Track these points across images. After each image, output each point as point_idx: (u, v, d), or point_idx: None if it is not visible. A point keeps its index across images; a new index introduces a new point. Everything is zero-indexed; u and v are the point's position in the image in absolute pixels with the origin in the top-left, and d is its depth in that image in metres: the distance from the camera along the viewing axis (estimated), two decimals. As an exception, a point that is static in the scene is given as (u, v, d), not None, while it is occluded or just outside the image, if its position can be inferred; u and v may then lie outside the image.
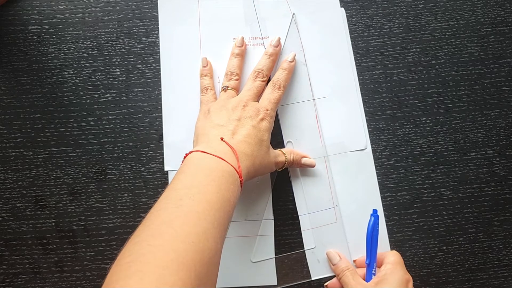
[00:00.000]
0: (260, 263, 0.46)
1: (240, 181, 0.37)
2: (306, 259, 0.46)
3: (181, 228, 0.29)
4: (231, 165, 0.36)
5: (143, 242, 0.29)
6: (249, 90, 0.43)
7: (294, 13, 0.48)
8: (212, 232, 0.31)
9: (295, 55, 0.47)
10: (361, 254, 0.45)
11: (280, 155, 0.44)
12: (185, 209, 0.31)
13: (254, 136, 0.40)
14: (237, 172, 0.36)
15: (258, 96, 0.44)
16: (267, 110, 0.42)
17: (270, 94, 0.44)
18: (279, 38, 0.46)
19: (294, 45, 0.48)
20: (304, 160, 0.46)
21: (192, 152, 0.37)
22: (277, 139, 0.47)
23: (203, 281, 0.29)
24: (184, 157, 0.37)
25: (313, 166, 0.46)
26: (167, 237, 0.29)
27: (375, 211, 0.44)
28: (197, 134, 0.42)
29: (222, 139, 0.39)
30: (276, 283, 0.46)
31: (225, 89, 0.44)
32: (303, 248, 0.46)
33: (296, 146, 0.47)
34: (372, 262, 0.43)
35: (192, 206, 0.31)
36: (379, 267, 0.43)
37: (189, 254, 0.28)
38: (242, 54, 0.46)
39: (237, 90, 0.45)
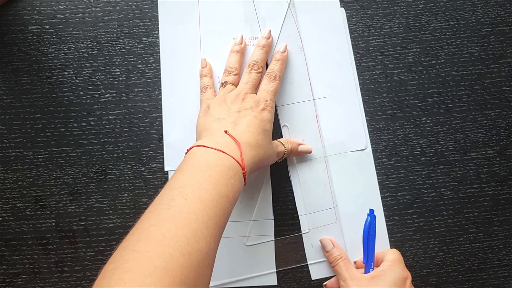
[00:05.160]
0: (257, 250, 0.46)
1: (244, 173, 0.36)
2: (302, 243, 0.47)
3: (169, 231, 0.29)
4: (233, 157, 0.36)
5: (129, 248, 0.28)
6: (246, 83, 0.43)
7: (290, 0, 0.48)
8: (204, 232, 0.30)
9: (286, 45, 0.47)
10: (361, 254, 0.45)
11: (279, 145, 0.44)
12: (176, 210, 0.30)
13: (257, 125, 0.40)
14: (239, 164, 0.36)
15: (255, 88, 0.44)
16: (267, 100, 0.42)
17: (267, 85, 0.44)
18: (270, 30, 0.47)
19: (290, 31, 0.48)
20: (301, 148, 0.46)
21: (192, 147, 0.37)
22: (276, 139, 0.47)
23: (191, 285, 0.28)
24: (186, 153, 0.37)
25: (309, 152, 0.46)
26: (154, 242, 0.28)
27: (371, 211, 0.44)
28: (199, 130, 0.41)
29: (226, 131, 0.38)
30: (274, 269, 0.46)
31: (224, 84, 0.44)
32: (303, 251, 0.47)
33: (296, 146, 0.47)
34: (369, 262, 0.43)
35: (184, 206, 0.31)
36: (378, 266, 0.43)
37: (175, 259, 0.28)
38: (241, 51, 0.47)
39: (235, 85, 0.45)
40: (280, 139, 0.45)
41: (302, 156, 0.47)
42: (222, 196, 0.33)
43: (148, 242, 0.28)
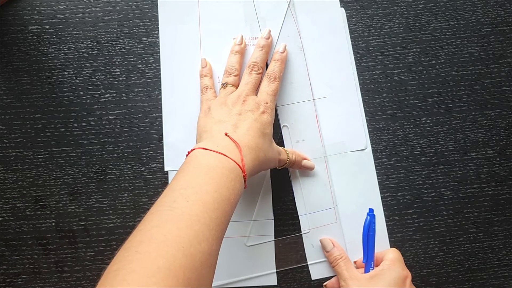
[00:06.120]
0: (257, 250, 0.46)
1: (244, 176, 0.36)
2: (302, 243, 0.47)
3: (171, 232, 0.29)
4: (233, 160, 0.36)
5: (132, 249, 0.28)
6: (246, 84, 0.43)
7: (290, 1, 0.48)
8: (206, 234, 0.30)
9: (285, 46, 0.47)
10: (361, 254, 0.45)
11: (282, 153, 0.44)
12: (178, 211, 0.31)
13: (257, 129, 0.40)
14: (240, 167, 0.36)
15: (256, 89, 0.44)
16: (267, 103, 0.42)
17: (267, 87, 0.44)
18: (270, 30, 0.47)
19: (290, 31, 0.48)
20: (304, 162, 0.46)
21: (193, 149, 0.37)
22: (277, 140, 0.47)
23: (194, 286, 0.28)
24: (187, 155, 0.37)
25: (312, 168, 0.47)
26: (156, 243, 0.28)
27: (371, 210, 0.44)
28: (200, 132, 0.41)
29: (226, 134, 0.38)
30: (274, 269, 0.46)
31: (224, 85, 0.44)
32: (304, 251, 0.47)
33: (296, 147, 0.47)
34: (369, 261, 0.43)
35: (186, 207, 0.31)
36: (378, 266, 0.43)
37: (178, 260, 0.28)
38: (241, 52, 0.47)
39: (236, 86, 0.45)
40: (287, 148, 0.46)
41: (304, 168, 0.47)
42: (223, 199, 0.33)
43: (151, 243, 0.28)
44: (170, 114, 0.48)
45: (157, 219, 0.30)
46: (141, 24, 0.49)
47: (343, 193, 0.47)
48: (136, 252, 0.28)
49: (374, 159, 0.47)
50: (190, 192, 0.32)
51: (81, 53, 0.48)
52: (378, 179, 0.47)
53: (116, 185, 0.47)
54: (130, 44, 0.49)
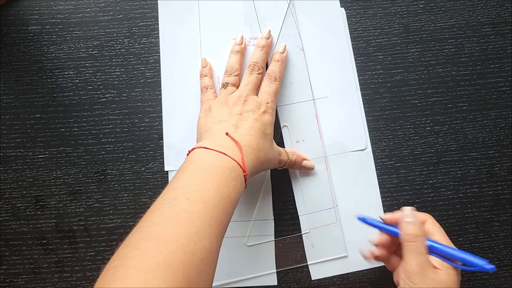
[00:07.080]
0: (257, 250, 0.46)
1: (244, 175, 0.36)
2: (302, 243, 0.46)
3: (171, 229, 0.29)
4: (234, 160, 0.36)
5: (131, 245, 0.28)
6: (247, 84, 0.43)
7: (290, 1, 0.48)
8: (206, 231, 0.30)
9: (285, 46, 0.47)
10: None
11: (283, 154, 0.44)
12: (178, 209, 0.31)
13: (258, 129, 0.40)
14: (241, 167, 0.36)
15: (256, 90, 0.44)
16: (268, 103, 0.42)
17: (268, 87, 0.44)
18: (269, 30, 0.47)
19: (290, 31, 0.48)
20: (304, 163, 0.46)
21: (194, 148, 0.37)
22: (277, 140, 0.47)
23: (194, 282, 0.28)
24: (188, 154, 0.37)
25: (312, 169, 0.47)
26: (156, 239, 0.28)
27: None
28: (200, 131, 0.41)
29: (227, 133, 0.38)
30: (274, 269, 0.46)
31: (224, 85, 0.44)
32: (304, 251, 0.46)
33: (296, 147, 0.47)
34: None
35: (186, 205, 0.31)
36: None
37: (178, 256, 0.28)
38: (242, 52, 0.47)
39: (236, 86, 0.45)
40: (287, 149, 0.46)
41: (304, 169, 0.47)
42: (223, 197, 0.33)
43: (151, 239, 0.29)
44: (170, 114, 0.48)
45: (158, 216, 0.31)
46: (141, 24, 0.49)
47: (343, 193, 0.47)
48: (136, 249, 0.28)
49: (374, 159, 0.47)
50: (190, 190, 0.32)
51: (81, 53, 0.48)
52: (378, 179, 0.47)
53: (116, 185, 0.47)
54: (130, 44, 0.49)
